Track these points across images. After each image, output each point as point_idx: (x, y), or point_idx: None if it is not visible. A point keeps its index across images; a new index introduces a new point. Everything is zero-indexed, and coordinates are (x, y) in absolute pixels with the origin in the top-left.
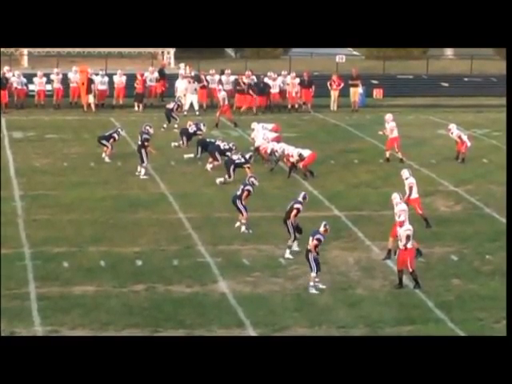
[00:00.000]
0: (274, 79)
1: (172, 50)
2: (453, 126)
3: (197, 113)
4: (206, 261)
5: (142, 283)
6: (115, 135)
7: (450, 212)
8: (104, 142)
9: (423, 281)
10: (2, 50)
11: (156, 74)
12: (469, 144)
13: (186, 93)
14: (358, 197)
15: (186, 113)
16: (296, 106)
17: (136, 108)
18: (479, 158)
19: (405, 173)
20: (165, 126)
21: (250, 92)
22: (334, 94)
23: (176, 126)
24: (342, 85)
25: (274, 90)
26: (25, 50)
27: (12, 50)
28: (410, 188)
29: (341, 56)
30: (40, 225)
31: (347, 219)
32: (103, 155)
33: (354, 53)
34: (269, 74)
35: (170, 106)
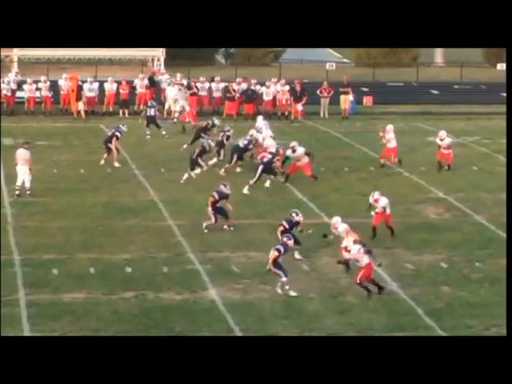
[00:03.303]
0: (268, 87)
1: (162, 57)
2: (443, 133)
3: (186, 120)
4: (195, 268)
5: (131, 290)
6: (117, 133)
7: (439, 219)
8: (109, 145)
9: (413, 288)
10: None
11: (146, 81)
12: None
13: (177, 100)
14: (348, 204)
15: (175, 120)
16: (286, 113)
17: (121, 114)
18: (469, 166)
19: (375, 194)
20: (148, 132)
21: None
22: (324, 101)
23: (164, 132)
24: (332, 92)
25: (268, 98)
26: (15, 57)
27: (2, 56)
28: (384, 208)
29: (331, 63)
30: (30, 232)
31: None
32: (114, 162)
33: (344, 60)
34: (253, 81)
35: (152, 113)
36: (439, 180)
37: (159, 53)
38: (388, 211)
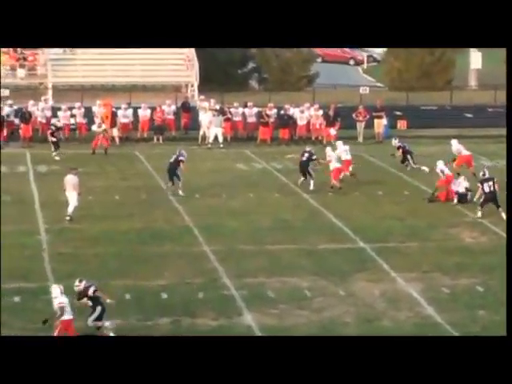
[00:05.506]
0: (302, 111)
1: (196, 83)
2: (440, 163)
3: (221, 145)
4: (230, 293)
5: (167, 316)
6: (182, 158)
7: (475, 243)
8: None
9: (449, 312)
10: (27, 83)
11: (173, 107)
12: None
13: (211, 126)
14: (383, 228)
15: (210, 145)
16: (320, 137)
17: (155, 140)
18: (502, 189)
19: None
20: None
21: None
22: (360, 125)
23: (54, 153)
24: (368, 116)
25: (302, 123)
26: (49, 84)
27: (36, 83)
28: None
29: (364, 87)
30: (65, 258)
31: (372, 251)
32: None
33: (378, 84)
34: (286, 106)
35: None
36: (474, 204)
37: (193, 78)
38: None
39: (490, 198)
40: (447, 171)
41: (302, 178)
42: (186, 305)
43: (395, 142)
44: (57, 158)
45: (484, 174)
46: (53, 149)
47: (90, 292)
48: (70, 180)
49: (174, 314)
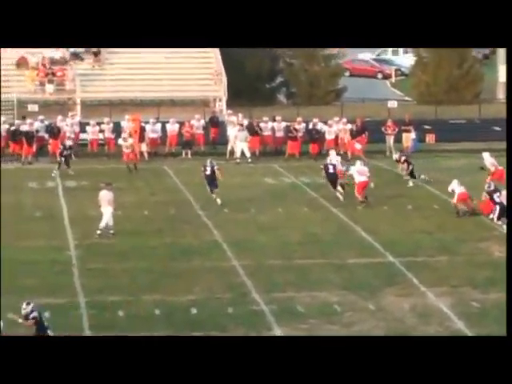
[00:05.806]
0: (330, 126)
1: (224, 98)
2: (454, 182)
3: (249, 160)
4: (260, 308)
5: (197, 331)
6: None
7: (504, 257)
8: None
9: (479, 326)
10: (56, 98)
11: (202, 122)
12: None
13: (236, 140)
14: (412, 242)
15: (238, 160)
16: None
17: (183, 155)
18: None
19: None
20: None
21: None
22: (389, 139)
23: (54, 171)
24: (397, 129)
25: (330, 137)
26: (77, 99)
27: (65, 98)
28: None
29: (392, 102)
30: (95, 274)
31: (402, 265)
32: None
33: (406, 98)
34: (315, 120)
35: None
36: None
37: (221, 93)
38: None
39: (502, 209)
40: (458, 191)
41: (341, 190)
42: (216, 320)
43: (396, 157)
44: (53, 174)
45: (490, 186)
46: (65, 167)
47: (33, 315)
48: (105, 196)
49: (204, 329)
